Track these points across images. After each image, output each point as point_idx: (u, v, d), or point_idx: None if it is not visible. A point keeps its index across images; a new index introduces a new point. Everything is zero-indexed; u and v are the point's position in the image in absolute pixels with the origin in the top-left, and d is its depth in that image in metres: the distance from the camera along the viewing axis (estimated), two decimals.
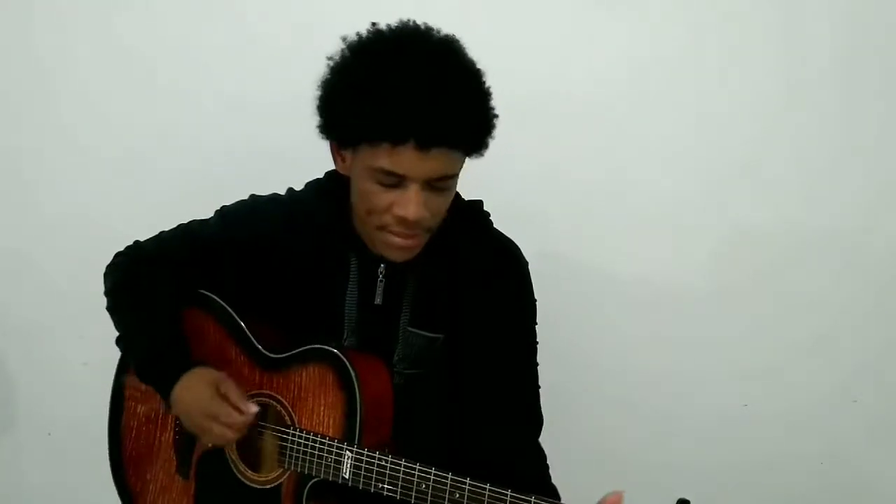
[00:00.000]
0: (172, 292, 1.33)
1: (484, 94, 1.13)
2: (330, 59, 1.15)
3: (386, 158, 1.08)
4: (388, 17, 1.70)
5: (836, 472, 1.79)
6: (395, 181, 1.10)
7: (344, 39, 1.14)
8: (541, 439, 1.29)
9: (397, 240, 1.16)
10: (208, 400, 1.21)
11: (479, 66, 1.14)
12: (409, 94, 1.05)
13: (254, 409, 1.22)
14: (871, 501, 1.81)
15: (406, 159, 1.08)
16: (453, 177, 1.15)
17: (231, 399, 1.21)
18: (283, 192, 1.33)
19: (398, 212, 1.12)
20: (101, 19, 1.81)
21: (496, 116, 1.14)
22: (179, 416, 1.29)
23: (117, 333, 1.34)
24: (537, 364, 1.30)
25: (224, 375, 1.25)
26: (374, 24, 1.15)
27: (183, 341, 1.30)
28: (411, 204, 1.11)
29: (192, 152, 1.83)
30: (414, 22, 1.14)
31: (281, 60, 1.76)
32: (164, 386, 1.26)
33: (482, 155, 1.15)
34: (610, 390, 1.81)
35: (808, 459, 1.79)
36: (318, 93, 1.15)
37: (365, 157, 1.11)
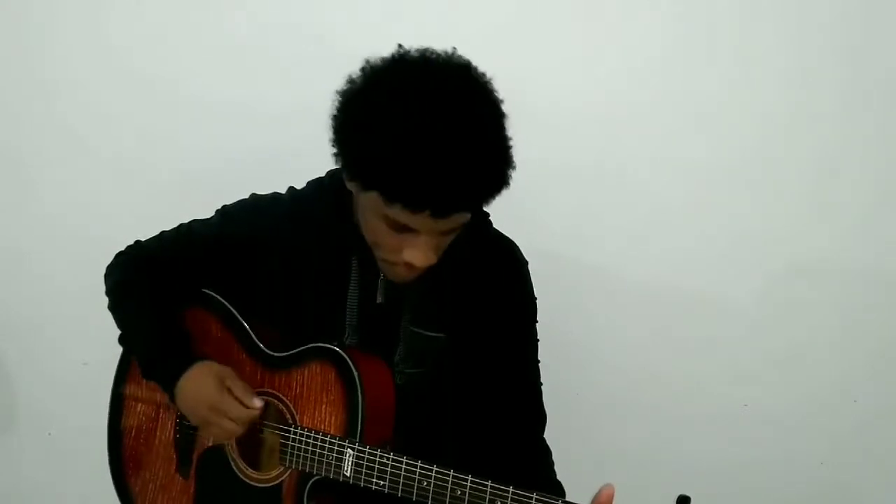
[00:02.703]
0: (174, 291, 1.33)
1: (503, 153, 1.07)
2: (351, 82, 1.09)
3: (399, 213, 1.05)
4: (391, 20, 1.72)
5: (836, 472, 1.79)
6: (406, 228, 1.08)
7: (366, 63, 1.09)
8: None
9: (397, 272, 1.16)
10: (214, 393, 1.21)
11: (500, 105, 1.08)
12: (428, 167, 1.00)
13: (259, 403, 1.22)
14: (871, 501, 1.81)
15: (420, 220, 1.05)
16: (466, 222, 1.12)
17: (236, 393, 1.22)
18: (284, 191, 1.33)
19: (407, 258, 1.10)
20: (103, 19, 1.81)
21: (513, 169, 1.09)
22: (183, 410, 1.27)
23: (119, 332, 1.34)
24: (538, 361, 1.31)
25: (229, 370, 1.25)
26: (399, 47, 1.09)
27: (185, 337, 1.30)
28: (421, 254, 1.10)
29: (194, 152, 1.83)
30: (437, 56, 1.07)
31: (283, 61, 1.76)
32: (168, 380, 1.26)
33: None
34: (610, 390, 1.81)
35: (808, 459, 1.79)
36: (334, 112, 1.10)
37: (376, 200, 1.06)
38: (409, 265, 1.11)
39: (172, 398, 1.26)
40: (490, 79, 1.09)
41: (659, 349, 1.79)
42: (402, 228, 1.08)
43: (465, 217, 1.09)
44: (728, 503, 1.78)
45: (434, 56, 1.08)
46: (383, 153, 1.01)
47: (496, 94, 1.09)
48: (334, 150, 1.10)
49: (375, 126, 1.02)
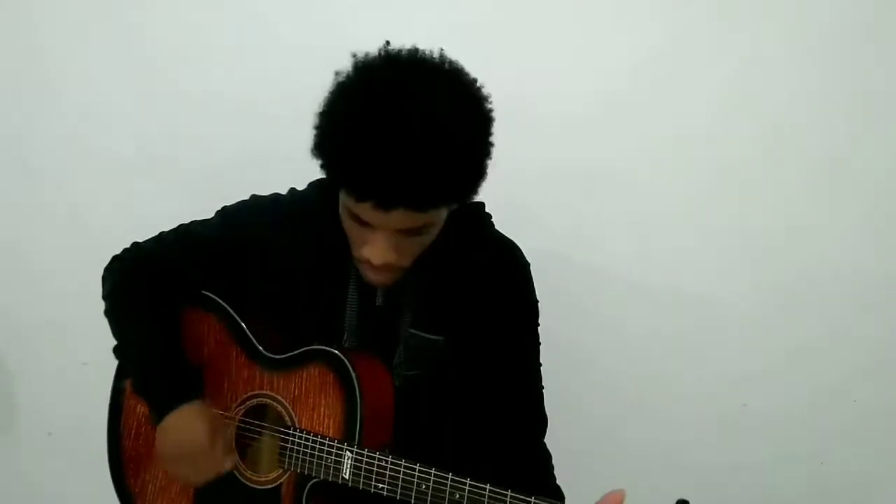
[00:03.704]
0: (172, 296, 1.31)
1: (462, 154, 1.04)
2: (338, 74, 1.11)
3: (352, 203, 1.08)
4: (400, 15, 1.71)
5: (836, 472, 1.80)
6: (366, 224, 1.10)
7: (354, 56, 1.10)
8: None
9: (368, 274, 1.17)
10: (202, 442, 1.19)
11: (476, 108, 1.07)
12: (370, 155, 1.01)
13: (229, 465, 1.22)
14: (872, 501, 1.81)
15: (368, 212, 1.06)
16: (429, 225, 1.12)
17: (217, 445, 1.20)
18: (285, 192, 1.32)
19: (365, 254, 1.12)
20: (104, 19, 1.81)
21: (481, 168, 1.08)
22: (161, 436, 1.23)
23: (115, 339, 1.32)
24: (540, 365, 1.31)
25: (222, 422, 1.25)
26: (386, 44, 1.09)
27: (181, 357, 1.27)
28: (377, 250, 1.11)
29: (193, 153, 1.83)
30: (420, 54, 1.08)
31: (284, 61, 1.76)
32: (162, 404, 1.22)
33: (466, 203, 1.14)
34: (609, 390, 1.81)
35: (809, 459, 1.80)
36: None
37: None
38: (369, 263, 1.13)
39: (157, 420, 1.22)
40: (475, 82, 1.09)
41: (659, 349, 1.79)
42: (363, 223, 1.10)
43: (421, 216, 1.08)
44: (728, 503, 1.78)
45: (412, 55, 1.08)
46: (333, 138, 1.06)
47: (475, 97, 1.08)
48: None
49: (331, 114, 1.07)
